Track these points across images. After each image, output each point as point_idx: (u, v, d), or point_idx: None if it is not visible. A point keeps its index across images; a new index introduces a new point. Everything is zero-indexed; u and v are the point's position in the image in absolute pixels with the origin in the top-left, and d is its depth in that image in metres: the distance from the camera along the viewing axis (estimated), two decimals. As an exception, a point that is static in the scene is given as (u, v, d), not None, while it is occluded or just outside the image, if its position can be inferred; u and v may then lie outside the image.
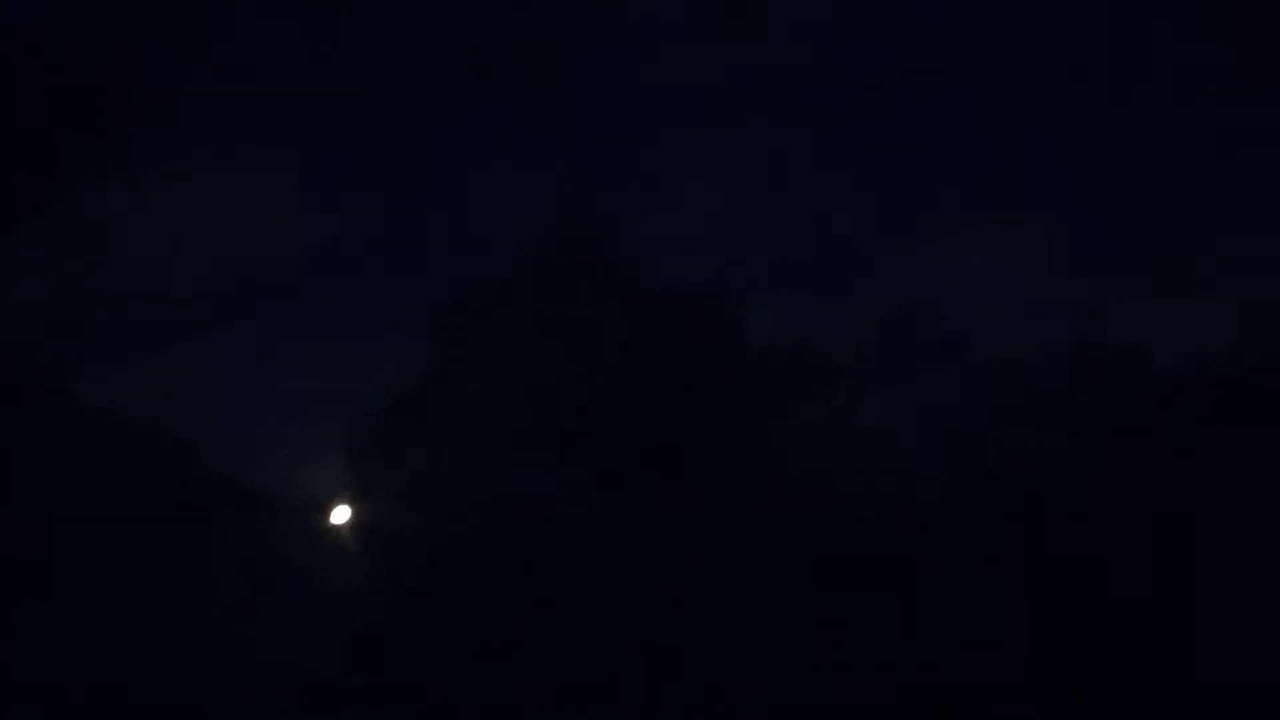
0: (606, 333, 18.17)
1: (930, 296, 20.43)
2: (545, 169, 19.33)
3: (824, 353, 19.75)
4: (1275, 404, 17.07)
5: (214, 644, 13.61)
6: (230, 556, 15.00)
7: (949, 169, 21.15)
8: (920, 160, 20.84)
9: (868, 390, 19.47)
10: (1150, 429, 17.88)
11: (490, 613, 15.01)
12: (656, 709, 15.00)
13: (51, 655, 11.65)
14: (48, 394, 14.61)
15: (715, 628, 15.67)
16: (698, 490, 16.75)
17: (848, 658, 15.59)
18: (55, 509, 13.02)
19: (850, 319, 20.15)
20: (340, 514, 16.29)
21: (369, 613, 15.55)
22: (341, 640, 15.05)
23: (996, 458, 17.69)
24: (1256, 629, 13.33)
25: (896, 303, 20.40)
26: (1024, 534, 16.51)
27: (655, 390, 17.54)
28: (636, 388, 17.55)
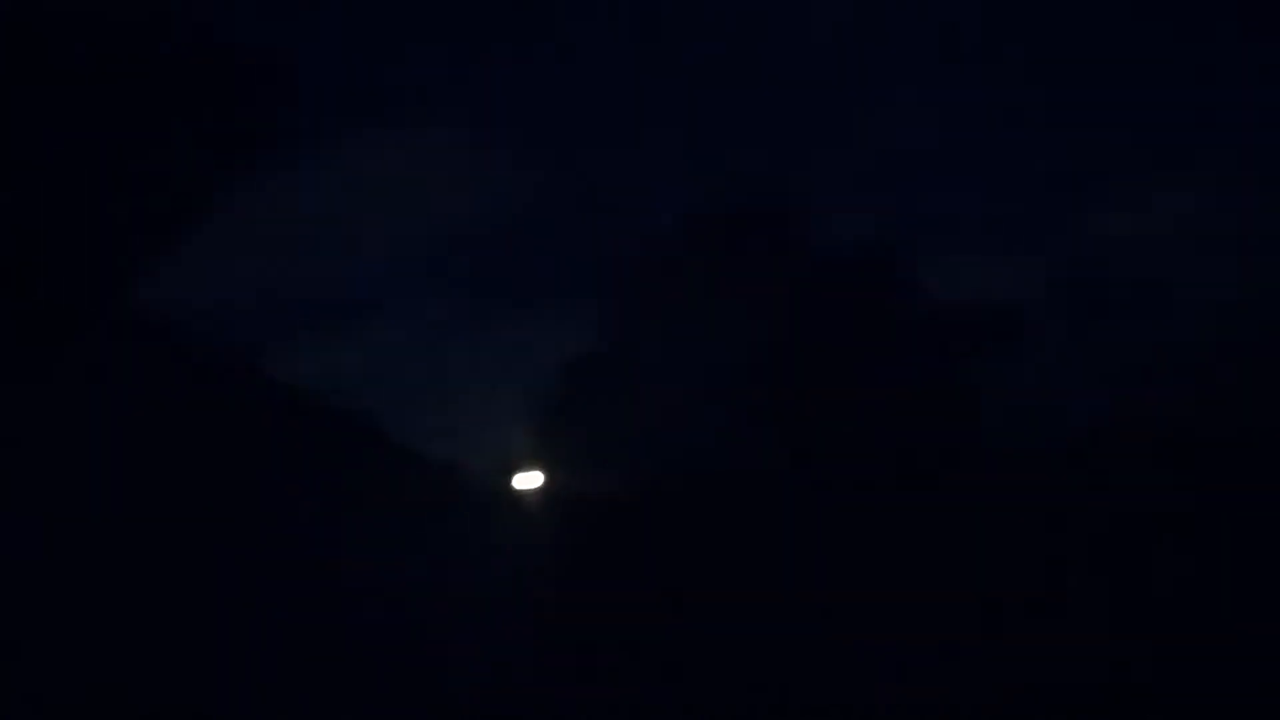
0: (786, 289, 17.86)
1: (1120, 242, 19.29)
2: (718, 124, 18.98)
3: (1007, 306, 18.98)
4: None
5: (409, 612, 13.92)
6: (416, 524, 15.28)
7: (1135, 111, 19.89)
8: (1105, 103, 19.64)
9: (1056, 344, 18.62)
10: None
11: (681, 582, 15.02)
12: (854, 674, 14.83)
13: (230, 624, 11.96)
14: (238, 372, 15.04)
15: (908, 591, 15.34)
16: (885, 454, 16.35)
17: (1043, 623, 15.08)
18: (245, 484, 13.39)
19: (1035, 270, 19.24)
20: (528, 479, 16.48)
21: (558, 578, 15.73)
22: (530, 604, 15.27)
23: (1199, 412, 16.72)
24: None
25: (1085, 250, 19.34)
26: (1229, 492, 15.60)
27: (839, 351, 17.16)
28: (819, 348, 17.20)
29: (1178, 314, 18.55)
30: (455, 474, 15.75)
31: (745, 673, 14.72)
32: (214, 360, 15.14)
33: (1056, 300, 19.19)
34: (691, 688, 14.60)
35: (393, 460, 16.46)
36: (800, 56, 19.38)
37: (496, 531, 15.84)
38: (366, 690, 12.88)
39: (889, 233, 18.81)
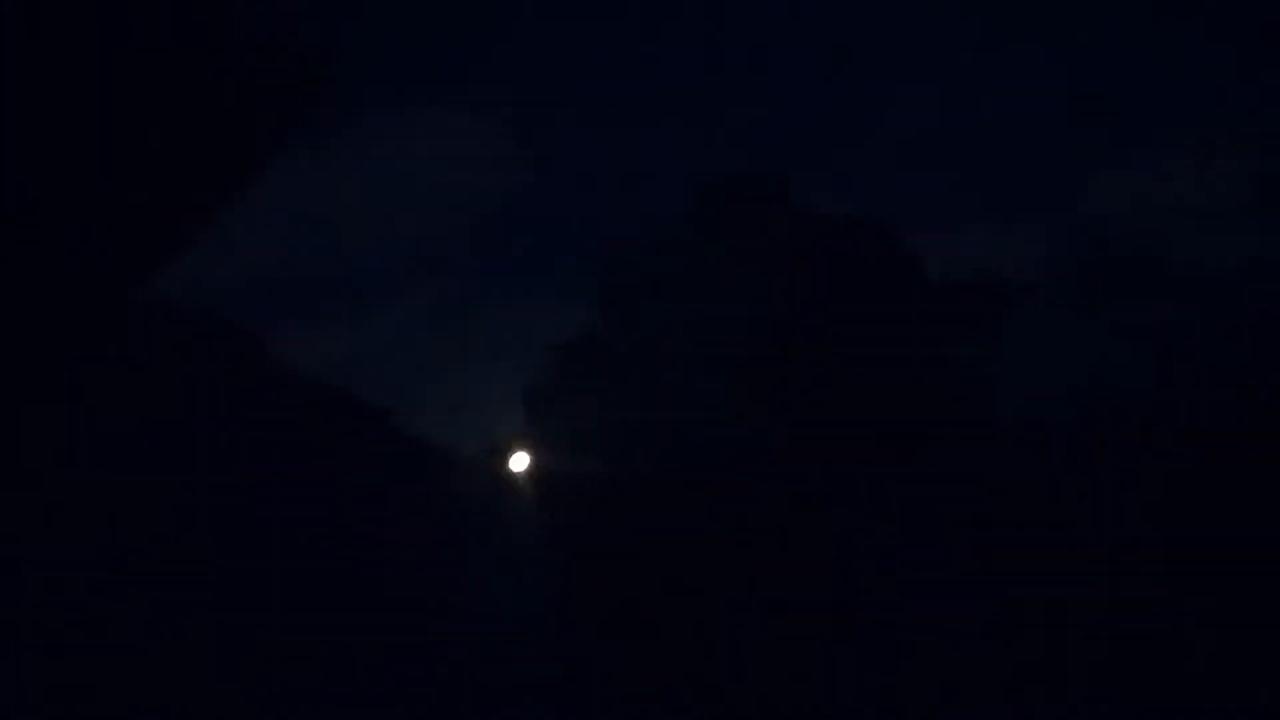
0: (780, 269, 17.64)
1: (1122, 213, 18.90)
2: (716, 107, 18.70)
3: (1007, 278, 18.70)
4: None
5: (395, 594, 13.94)
6: (408, 507, 15.26)
7: (1137, 76, 19.43)
8: (1107, 70, 19.17)
9: (1056, 316, 18.33)
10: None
11: (673, 566, 14.97)
12: (850, 660, 14.82)
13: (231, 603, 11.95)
14: (241, 355, 15.01)
15: (907, 569, 15.25)
16: (881, 429, 16.20)
17: (1030, 603, 15.00)
18: (246, 471, 13.37)
19: (1035, 240, 18.90)
20: (518, 461, 16.44)
21: (547, 562, 15.71)
22: (516, 588, 15.24)
23: (1202, 387, 16.43)
24: None
25: (1086, 221, 18.96)
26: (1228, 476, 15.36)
27: (833, 326, 16.96)
28: (813, 325, 17.00)
29: (1180, 286, 18.17)
30: (451, 456, 15.71)
31: (743, 655, 14.71)
32: (216, 347, 15.11)
33: (1054, 275, 18.86)
34: (690, 670, 14.62)
35: (390, 442, 16.46)
36: (797, 40, 19.01)
37: (491, 513, 15.82)
38: (363, 668, 12.94)
39: (886, 208, 18.58)
